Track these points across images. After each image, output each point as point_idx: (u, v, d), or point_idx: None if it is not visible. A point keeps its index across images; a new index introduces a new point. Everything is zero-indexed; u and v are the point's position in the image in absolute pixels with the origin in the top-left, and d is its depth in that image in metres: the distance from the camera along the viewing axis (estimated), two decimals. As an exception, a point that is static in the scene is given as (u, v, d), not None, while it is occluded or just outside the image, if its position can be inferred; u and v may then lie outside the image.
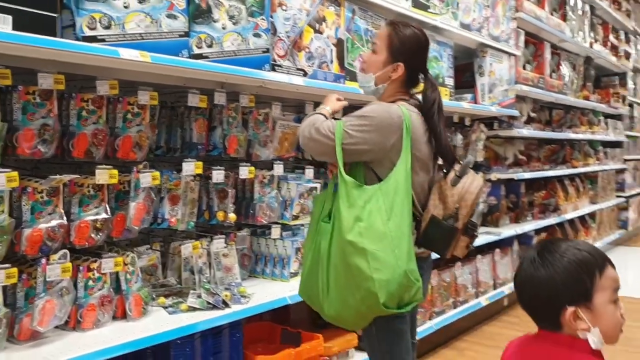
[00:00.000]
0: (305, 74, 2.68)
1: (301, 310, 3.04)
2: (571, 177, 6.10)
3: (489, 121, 4.64)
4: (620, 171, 7.59)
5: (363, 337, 2.10)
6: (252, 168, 2.55)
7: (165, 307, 2.24)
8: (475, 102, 4.19)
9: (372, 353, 2.06)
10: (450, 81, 3.87)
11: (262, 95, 2.78)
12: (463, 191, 1.96)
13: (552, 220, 5.36)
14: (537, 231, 5.26)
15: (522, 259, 1.39)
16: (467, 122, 4.36)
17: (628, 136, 7.84)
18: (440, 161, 2.09)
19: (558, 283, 1.30)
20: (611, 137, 7.13)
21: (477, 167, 4.54)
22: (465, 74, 4.32)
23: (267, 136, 2.72)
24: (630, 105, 8.03)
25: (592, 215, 6.56)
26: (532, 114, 5.20)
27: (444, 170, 2.07)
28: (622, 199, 7.57)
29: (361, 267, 1.80)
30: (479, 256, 4.21)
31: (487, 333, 4.12)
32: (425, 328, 3.47)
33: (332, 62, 2.87)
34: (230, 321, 2.28)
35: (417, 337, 3.40)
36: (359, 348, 2.94)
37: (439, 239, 1.95)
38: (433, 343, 3.69)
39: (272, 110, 2.74)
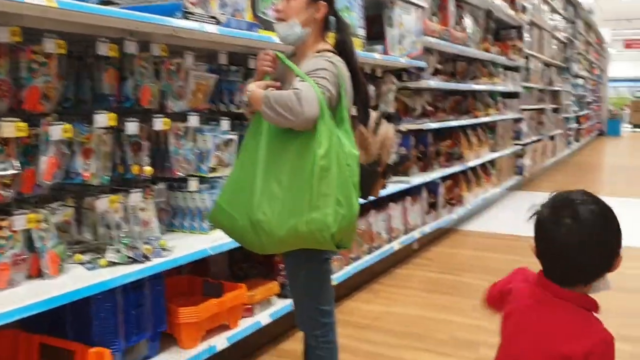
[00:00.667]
0: (218, 22, 2.62)
1: (221, 262, 3.06)
2: (473, 127, 6.40)
3: (399, 73, 4.75)
4: (517, 120, 8.03)
5: (291, 280, 2.13)
6: (167, 120, 2.50)
7: (82, 264, 2.19)
8: (386, 54, 4.27)
9: (301, 296, 2.11)
10: (362, 32, 3.91)
11: (175, 44, 2.69)
12: (383, 138, 2.04)
13: (456, 168, 5.62)
14: (444, 178, 5.51)
15: (555, 227, 1.32)
16: (379, 73, 4.44)
17: (524, 87, 8.27)
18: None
19: (610, 235, 1.31)
20: (509, 88, 7.51)
21: (388, 118, 4.65)
22: (374, 25, 4.38)
23: (180, 87, 2.66)
24: (526, 58, 8.45)
25: (492, 162, 6.93)
26: (439, 66, 5.37)
27: (359, 118, 2.13)
28: (519, 147, 8.04)
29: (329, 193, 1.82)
30: (391, 204, 4.36)
31: (400, 275, 4.32)
32: (342, 274, 3.59)
33: (245, 10, 2.82)
34: (152, 274, 2.26)
35: (335, 282, 3.52)
36: (281, 295, 3.01)
37: (363, 184, 2.02)
38: (349, 287, 3.83)
39: (185, 60, 2.67)
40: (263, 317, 2.85)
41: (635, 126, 23.51)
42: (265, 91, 1.90)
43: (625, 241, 1.42)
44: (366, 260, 3.89)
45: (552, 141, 10.62)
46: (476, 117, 6.29)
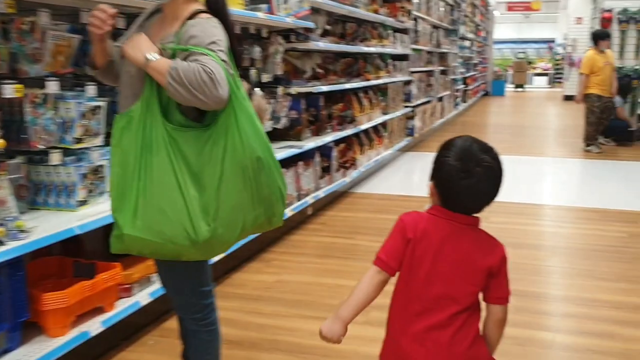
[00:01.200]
0: (75, -24, 2.35)
1: (96, 240, 2.82)
2: (365, 90, 6.39)
3: (286, 34, 4.60)
4: (407, 83, 8.14)
5: (162, 263, 1.97)
6: (20, 86, 2.21)
7: None
8: (271, 13, 4.09)
9: (177, 278, 1.95)
10: (243, -10, 3.71)
11: (28, 1, 2.38)
12: (257, 110, 1.90)
13: (349, 131, 5.60)
14: (337, 142, 5.47)
15: (467, 176, 1.45)
16: (264, 34, 4.26)
17: (413, 49, 8.38)
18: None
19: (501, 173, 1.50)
20: (399, 50, 7.56)
21: (277, 80, 4.51)
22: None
23: (35, 49, 2.37)
24: (415, 20, 8.54)
25: (384, 124, 6.99)
26: (328, 27, 5.26)
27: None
28: (409, 109, 8.17)
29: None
30: (283, 170, 4.24)
31: (293, 242, 4.24)
32: (231, 244, 3.45)
33: (108, -38, 2.54)
34: (8, 259, 2.02)
35: (223, 255, 3.38)
36: (162, 272, 2.83)
37: None
38: (239, 258, 3.71)
39: (39, 19, 2.37)
40: (142, 297, 2.67)
41: (517, 86, 24.81)
42: (174, 61, 1.69)
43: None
44: (257, 229, 3.77)
45: (440, 102, 10.91)
46: (367, 79, 6.28)
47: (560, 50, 25.98)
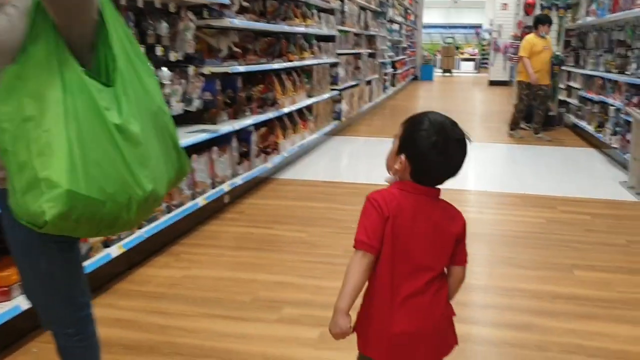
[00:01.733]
0: None
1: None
2: (288, 71, 6.15)
3: (198, 9, 4.30)
4: (334, 65, 7.96)
5: (26, 271, 1.69)
6: None
7: None
8: (179, -13, 3.79)
9: (45, 289, 1.68)
10: (146, -41, 3.39)
11: None
12: None
13: (270, 114, 5.36)
14: (257, 126, 5.22)
15: (445, 150, 1.51)
16: (172, 8, 3.94)
17: (339, 31, 8.19)
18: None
19: None
20: (324, 31, 7.35)
21: (189, 59, 4.21)
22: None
23: None
24: (342, 0, 8.35)
25: (309, 108, 6.78)
26: (245, 4, 4.97)
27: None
28: (336, 92, 8.00)
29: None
30: (194, 156, 3.97)
31: (206, 233, 3.99)
32: (133, 238, 3.17)
33: None
34: None
35: (125, 249, 3.09)
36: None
37: None
38: (144, 252, 3.43)
39: None
40: (24, 300, 2.36)
41: (445, 71, 25.18)
42: None
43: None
44: (163, 221, 3.49)
45: (369, 86, 10.82)
46: (290, 60, 6.05)
47: (486, 36, 26.53)
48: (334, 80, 8.04)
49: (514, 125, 8.55)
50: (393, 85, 14.96)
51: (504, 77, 18.93)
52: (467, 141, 1.54)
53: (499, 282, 3.27)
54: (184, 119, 4.34)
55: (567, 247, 3.83)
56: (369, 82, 10.82)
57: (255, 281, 3.19)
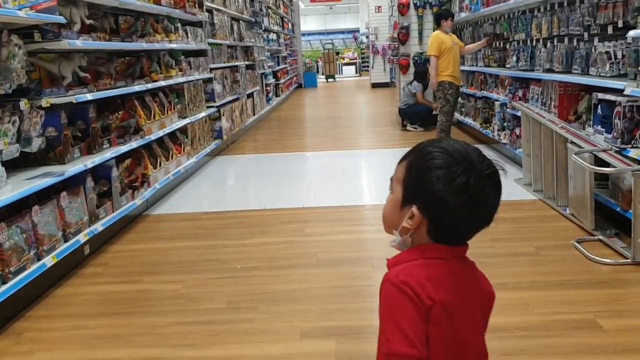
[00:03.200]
0: None
1: None
2: (153, 93, 5.50)
3: (28, 31, 3.58)
4: (208, 80, 7.36)
5: None
6: None
7: None
8: (-8, 4, 3.08)
9: None
10: None
11: None
12: None
13: (134, 143, 4.68)
14: (120, 159, 4.54)
15: (487, 192, 1.10)
16: (-13, 31, 3.22)
17: (210, 44, 7.62)
18: None
19: None
20: (192, 45, 6.75)
21: (24, 92, 3.49)
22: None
23: None
24: (210, 12, 7.78)
25: (183, 130, 6.15)
26: (90, 21, 4.29)
27: None
28: (213, 109, 7.41)
29: None
30: (35, 207, 3.26)
31: (60, 298, 3.28)
32: (-52, 329, 2.45)
33: None
34: None
35: None
36: None
37: None
38: (-30, 342, 2.70)
39: None
40: None
41: (329, 77, 25.18)
42: None
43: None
44: (-6, 296, 2.77)
45: (250, 99, 10.30)
46: (155, 80, 5.40)
47: (364, 39, 26.86)
48: (210, 97, 7.45)
49: (443, 133, 7.34)
50: (277, 95, 14.54)
51: (385, 79, 19.12)
52: (502, 173, 1.13)
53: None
54: (23, 162, 3.62)
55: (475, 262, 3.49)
56: (250, 95, 10.30)
57: (115, 360, 2.56)
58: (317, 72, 24.52)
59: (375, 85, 19.38)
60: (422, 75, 8.79)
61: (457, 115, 8.83)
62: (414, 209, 1.09)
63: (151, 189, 4.93)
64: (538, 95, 5.37)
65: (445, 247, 1.13)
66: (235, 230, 4.35)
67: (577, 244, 3.70)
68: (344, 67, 29.14)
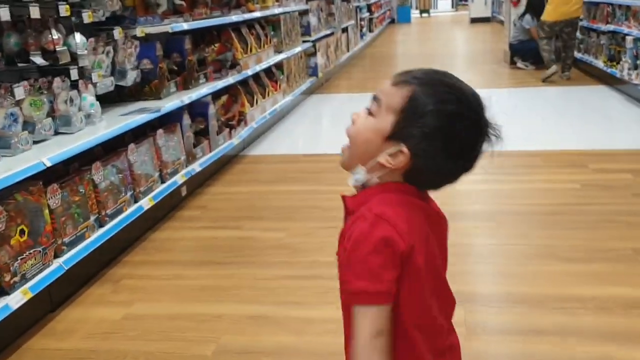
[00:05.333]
0: None
1: None
2: (249, 24, 5.16)
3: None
4: (304, 13, 6.94)
5: None
6: None
7: None
8: None
9: None
10: None
11: None
12: None
13: (231, 79, 4.40)
14: (216, 95, 4.29)
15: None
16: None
17: (308, -28, 7.14)
18: None
19: None
20: (290, -26, 6.31)
21: (115, 20, 3.24)
22: None
23: None
24: (307, -62, 7.26)
25: (279, 66, 5.81)
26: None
27: None
28: (309, 44, 7.01)
29: None
30: (131, 146, 3.04)
31: (158, 242, 3.10)
32: (49, 272, 2.29)
33: None
34: None
35: (32, 293, 2.22)
36: None
37: None
38: (75, 279, 2.55)
39: None
40: None
41: (423, 12, 23.98)
42: None
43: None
44: (91, 240, 2.59)
45: (345, 34, 9.78)
46: (251, 11, 5.05)
47: (462, -30, 25.25)
48: (306, 31, 7.04)
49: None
50: (371, 31, 13.87)
51: (486, 14, 17.89)
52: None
53: (543, 287, 2.43)
54: (117, 97, 3.41)
55: (618, 222, 3.00)
56: (345, 30, 9.78)
57: (221, 318, 2.32)
58: (411, 6, 23.35)
59: (474, 20, 18.17)
60: (536, 8, 7.92)
61: (575, 52, 7.98)
62: (404, 148, 0.95)
63: (248, 128, 4.66)
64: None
65: (412, 188, 1.00)
66: (336, 174, 3.96)
67: None
68: (439, 1, 27.63)
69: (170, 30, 3.54)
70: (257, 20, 5.35)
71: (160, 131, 3.34)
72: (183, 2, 3.91)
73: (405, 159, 0.95)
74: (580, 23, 7.69)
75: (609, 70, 6.40)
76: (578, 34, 7.89)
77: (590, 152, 4.19)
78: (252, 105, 4.84)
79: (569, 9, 6.93)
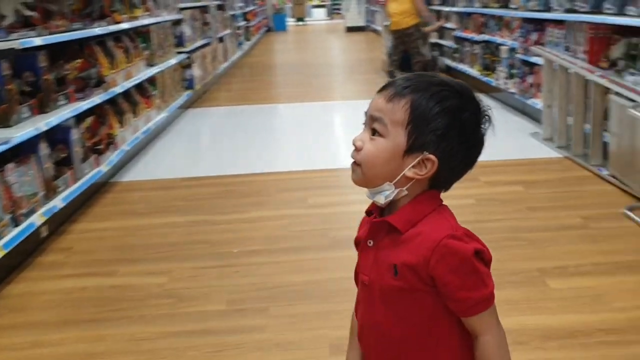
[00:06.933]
0: None
1: None
2: (116, 37, 4.68)
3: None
4: (177, 22, 6.51)
5: None
6: None
7: None
8: None
9: None
10: None
11: None
12: None
13: (97, 98, 3.91)
14: (80, 117, 3.78)
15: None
16: None
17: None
18: None
19: None
20: (159, -19, 5.87)
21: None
22: None
23: None
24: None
25: (151, 80, 5.36)
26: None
27: None
28: (184, 55, 6.58)
29: None
30: (-28, 184, 2.53)
31: (12, 299, 2.59)
32: None
33: None
34: None
35: None
36: None
37: None
38: None
39: None
40: None
41: (299, 20, 24.08)
42: None
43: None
44: None
45: (222, 43, 9.41)
46: (117, 22, 4.57)
47: (335, -21, 25.67)
48: (180, 42, 6.61)
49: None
50: (248, 39, 13.59)
51: (361, 23, 18.23)
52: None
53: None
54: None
55: (519, 240, 2.93)
56: (221, 39, 9.41)
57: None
58: (286, 14, 23.34)
59: (350, 29, 18.45)
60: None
61: (449, 62, 8.19)
62: (429, 155, 0.98)
63: (119, 152, 4.19)
64: (560, 39, 4.73)
65: (439, 193, 1.05)
66: (224, 201, 3.68)
67: (629, 213, 3.17)
68: (314, 10, 27.90)
69: (18, 47, 3.02)
70: (126, 32, 4.87)
71: (10, 165, 2.82)
72: (35, 13, 3.40)
73: (433, 165, 0.99)
74: (454, 33, 7.90)
75: (484, 79, 6.56)
76: (451, 43, 8.10)
77: (479, 163, 4.16)
78: (122, 126, 4.37)
79: (399, 20, 7.35)
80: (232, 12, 11.04)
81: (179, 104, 6.22)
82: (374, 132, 1.01)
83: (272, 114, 6.41)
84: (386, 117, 0.99)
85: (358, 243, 1.12)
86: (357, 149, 1.02)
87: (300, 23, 23.81)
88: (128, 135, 4.45)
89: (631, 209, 3.20)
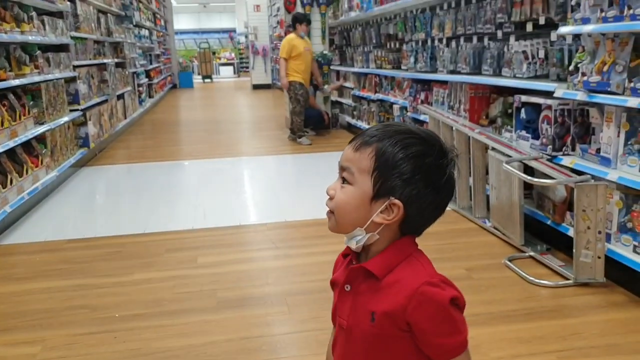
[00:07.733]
0: None
1: None
2: (1, 94, 4.49)
3: None
4: (71, 80, 6.35)
5: None
6: None
7: None
8: None
9: None
10: None
11: None
12: None
13: (-26, 158, 3.71)
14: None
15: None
16: None
17: (74, 37, 6.59)
18: None
19: None
20: (52, 38, 5.73)
21: None
22: None
23: None
24: (72, 1, 6.75)
25: (41, 138, 5.15)
26: None
27: None
28: (78, 113, 6.41)
29: None
30: None
31: None
32: None
33: None
34: None
35: None
36: None
37: None
38: None
39: None
40: None
41: (205, 77, 24.18)
42: None
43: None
44: None
45: (121, 101, 9.26)
46: (3, 79, 4.40)
47: (243, 39, 26.14)
48: (74, 99, 6.43)
49: (299, 132, 7.82)
50: (150, 96, 13.45)
51: (267, 81, 18.57)
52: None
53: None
54: None
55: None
56: (120, 97, 9.25)
57: None
58: (193, 72, 23.39)
59: (256, 87, 18.73)
60: (311, 78, 8.29)
61: (349, 119, 8.46)
62: (394, 200, 1.02)
63: (0, 213, 3.96)
64: (444, 97, 5.02)
65: (413, 238, 1.10)
66: (110, 263, 3.53)
67: (509, 263, 3.33)
68: (222, 68, 28.14)
69: None
70: (12, 89, 4.69)
71: None
72: None
73: (399, 210, 1.02)
74: (352, 92, 8.20)
75: (380, 135, 6.79)
76: (350, 101, 8.39)
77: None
78: (4, 187, 4.15)
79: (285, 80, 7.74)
80: (133, 70, 10.92)
81: (72, 162, 6.01)
82: (344, 180, 1.06)
83: (171, 172, 6.31)
84: (354, 166, 1.04)
85: (334, 284, 1.14)
86: (330, 198, 1.07)
87: (207, 80, 23.91)
88: (12, 196, 4.23)
89: (511, 260, 3.37)
